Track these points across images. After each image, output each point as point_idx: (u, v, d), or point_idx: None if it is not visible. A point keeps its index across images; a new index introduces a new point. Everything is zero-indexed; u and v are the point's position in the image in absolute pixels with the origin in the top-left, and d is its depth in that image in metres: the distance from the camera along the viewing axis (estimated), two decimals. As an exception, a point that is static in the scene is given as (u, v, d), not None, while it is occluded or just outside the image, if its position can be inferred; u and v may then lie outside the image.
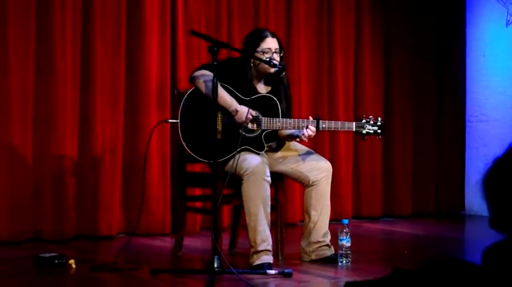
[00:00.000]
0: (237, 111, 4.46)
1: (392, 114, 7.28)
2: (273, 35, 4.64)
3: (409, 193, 7.38)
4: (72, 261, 4.48)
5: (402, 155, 7.36)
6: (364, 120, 4.68)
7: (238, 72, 4.60)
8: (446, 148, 7.62)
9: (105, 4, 5.80)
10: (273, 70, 4.59)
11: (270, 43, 4.59)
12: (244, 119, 4.46)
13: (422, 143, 7.50)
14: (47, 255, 4.51)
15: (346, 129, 4.71)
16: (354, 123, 4.68)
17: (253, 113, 4.52)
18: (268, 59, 4.52)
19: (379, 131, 4.69)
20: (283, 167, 4.73)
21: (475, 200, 7.46)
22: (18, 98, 5.47)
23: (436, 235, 6.35)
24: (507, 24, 7.38)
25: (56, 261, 4.46)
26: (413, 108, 7.43)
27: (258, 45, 4.58)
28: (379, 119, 4.72)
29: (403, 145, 7.37)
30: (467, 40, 7.64)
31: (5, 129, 5.43)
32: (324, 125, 4.58)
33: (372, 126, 4.68)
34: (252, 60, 4.59)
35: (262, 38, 4.60)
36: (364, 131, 4.67)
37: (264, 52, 4.56)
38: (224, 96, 4.46)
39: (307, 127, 4.51)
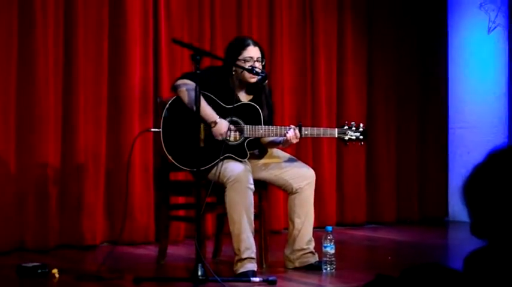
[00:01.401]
0: (215, 123, 4.46)
1: (375, 121, 7.31)
2: (255, 44, 4.64)
3: (393, 200, 7.41)
4: (55, 271, 4.46)
5: (386, 161, 7.38)
6: (346, 127, 4.70)
7: (221, 81, 4.60)
8: (430, 154, 7.66)
9: (87, 11, 5.78)
10: (255, 79, 4.59)
11: (252, 52, 4.60)
12: (222, 132, 4.45)
13: (405, 150, 7.53)
14: (30, 265, 4.48)
15: (328, 135, 4.72)
16: (336, 129, 4.69)
17: (233, 128, 4.52)
18: (250, 67, 4.53)
19: (361, 137, 4.70)
20: (266, 175, 4.73)
21: (458, 207, 7.50)
22: (1, 106, 5.44)
23: (419, 241, 6.37)
24: (489, 31, 7.43)
25: (39, 271, 4.43)
26: (397, 114, 7.46)
27: (240, 54, 4.58)
28: (361, 125, 4.73)
29: (386, 152, 7.40)
30: (450, 47, 7.68)
31: (-13, 139, 5.41)
32: (306, 132, 4.59)
33: (354, 132, 4.69)
34: (234, 68, 4.59)
35: (244, 47, 4.60)
36: (346, 137, 4.68)
37: (245, 61, 4.57)
38: (204, 108, 4.44)
39: (290, 130, 4.51)
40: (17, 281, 4.38)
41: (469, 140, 7.49)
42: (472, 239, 1.95)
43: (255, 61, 4.57)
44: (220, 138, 4.46)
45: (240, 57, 4.57)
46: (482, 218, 1.83)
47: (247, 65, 4.55)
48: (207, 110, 4.47)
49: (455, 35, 7.65)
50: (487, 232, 1.83)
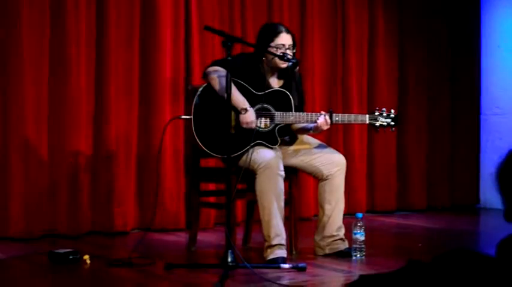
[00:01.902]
0: (246, 110, 4.44)
1: (406, 108, 7.27)
2: (288, 31, 4.62)
3: (424, 187, 7.37)
4: (86, 257, 4.48)
5: (416, 148, 7.34)
6: (377, 113, 4.67)
7: (252, 67, 4.59)
8: (461, 141, 7.60)
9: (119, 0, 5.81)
10: (286, 65, 4.58)
11: (284, 39, 4.57)
12: (249, 121, 4.44)
13: (436, 136, 7.48)
14: (62, 251, 4.51)
15: (359, 122, 4.69)
16: (367, 115, 4.67)
17: (259, 122, 4.51)
18: (281, 54, 4.51)
19: (392, 123, 4.67)
20: (296, 161, 4.72)
21: (490, 193, 7.44)
22: (33, 94, 5.48)
23: (450, 228, 6.33)
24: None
25: (71, 257, 4.46)
26: (428, 101, 7.42)
27: (272, 40, 4.56)
28: (392, 111, 4.70)
29: (417, 139, 7.35)
30: (482, 33, 7.61)
31: (20, 126, 5.45)
32: (337, 118, 4.57)
33: (385, 118, 4.66)
34: (265, 54, 4.58)
35: (277, 33, 4.58)
36: (377, 124, 4.66)
37: (277, 48, 4.54)
38: (235, 95, 4.43)
39: (320, 116, 4.49)
40: (49, 266, 4.42)
41: (501, 126, 7.43)
42: (504, 226, 1.93)
43: (286, 49, 4.56)
44: (245, 126, 4.44)
45: (272, 44, 4.54)
46: (515, 203, 1.81)
47: (278, 52, 4.53)
48: (238, 97, 4.46)
49: (488, 20, 7.58)
50: (521, 218, 1.81)
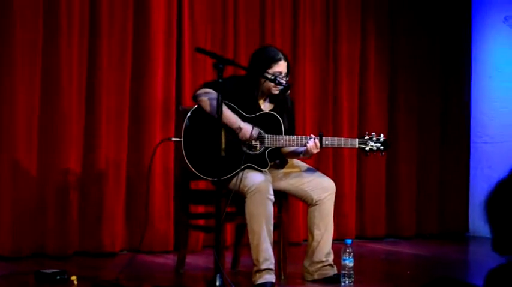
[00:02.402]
0: (241, 129, 4.46)
1: (396, 133, 7.27)
2: (286, 58, 4.62)
3: (413, 213, 7.35)
4: (74, 277, 4.47)
5: (406, 175, 7.34)
6: (367, 137, 4.68)
7: (243, 90, 4.60)
8: (451, 168, 7.60)
9: (111, 20, 5.81)
10: (277, 91, 4.58)
11: (282, 67, 4.58)
12: (248, 136, 4.45)
13: (426, 163, 7.48)
14: (49, 271, 4.50)
15: (349, 145, 4.70)
16: (357, 139, 4.68)
17: (257, 132, 4.51)
18: (273, 77, 4.52)
19: (382, 147, 4.68)
20: (286, 185, 4.72)
21: (479, 222, 7.44)
22: (24, 111, 5.47)
23: (439, 256, 6.32)
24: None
25: (58, 277, 4.45)
26: (418, 128, 7.42)
27: (270, 67, 4.56)
28: (382, 135, 4.71)
29: (407, 165, 7.35)
30: (473, 61, 7.64)
31: (9, 143, 5.44)
32: (327, 142, 4.58)
33: (375, 142, 4.68)
34: (260, 78, 4.57)
35: (276, 61, 4.58)
36: (367, 148, 4.66)
37: (274, 75, 4.55)
38: (228, 115, 4.45)
39: (310, 139, 4.50)
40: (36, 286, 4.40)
41: (491, 155, 7.44)
42: (493, 256, 1.93)
43: (282, 77, 4.57)
44: (248, 142, 4.46)
45: (270, 71, 4.55)
46: (504, 234, 1.81)
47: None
48: (231, 117, 4.47)
49: (480, 49, 7.61)
50: (509, 249, 1.81)
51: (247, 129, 4.45)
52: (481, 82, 7.58)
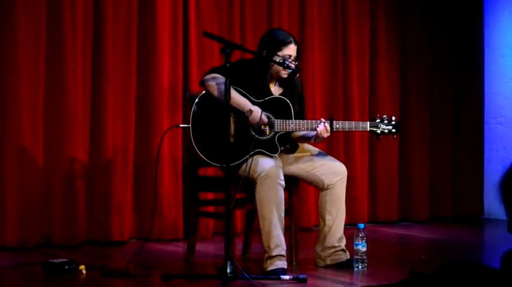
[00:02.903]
0: (251, 111, 4.45)
1: (408, 116, 7.26)
2: (296, 42, 4.61)
3: (426, 197, 7.35)
4: (82, 267, 4.48)
5: (419, 157, 7.33)
6: (378, 120, 4.67)
7: (251, 74, 4.59)
8: (465, 150, 7.58)
9: (116, 6, 5.81)
10: (286, 74, 4.57)
11: (292, 50, 4.57)
12: (258, 119, 4.44)
13: (439, 145, 7.47)
14: (57, 261, 4.51)
15: (360, 129, 4.69)
16: (368, 122, 4.67)
17: (265, 118, 4.50)
18: (282, 61, 4.51)
19: (393, 130, 4.67)
20: (297, 170, 4.71)
21: (494, 204, 7.43)
22: (28, 100, 5.48)
23: (454, 239, 6.32)
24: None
25: (66, 267, 4.46)
26: (430, 109, 7.41)
27: (280, 49, 4.55)
28: (393, 118, 4.70)
29: (420, 147, 7.34)
30: (486, 41, 7.60)
31: (15, 132, 5.45)
32: (337, 126, 4.57)
33: (387, 125, 4.66)
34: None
35: (287, 44, 4.56)
36: (378, 131, 4.65)
37: (283, 58, 4.54)
38: (237, 98, 4.44)
39: (320, 124, 4.49)
40: (44, 277, 4.41)
41: (505, 136, 7.42)
42: (509, 238, 1.92)
43: (292, 60, 4.55)
44: (257, 126, 4.45)
45: (279, 53, 4.54)
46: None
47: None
48: (240, 100, 4.46)
49: (492, 29, 7.57)
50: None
51: (257, 111, 4.44)
52: (494, 62, 7.55)
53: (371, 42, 7.10)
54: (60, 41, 5.59)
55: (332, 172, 4.67)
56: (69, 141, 5.61)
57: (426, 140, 7.38)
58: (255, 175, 4.39)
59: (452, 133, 7.54)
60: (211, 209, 5.71)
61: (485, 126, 7.59)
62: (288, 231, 4.67)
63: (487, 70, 7.60)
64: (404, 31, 7.29)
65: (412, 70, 7.31)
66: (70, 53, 5.60)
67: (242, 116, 4.48)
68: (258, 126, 4.48)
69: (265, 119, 4.48)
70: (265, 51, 4.59)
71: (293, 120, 4.55)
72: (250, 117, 4.45)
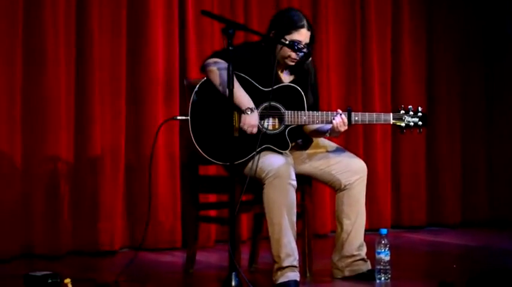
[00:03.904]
0: (251, 110, 4.43)
1: (436, 105, 7.27)
2: (309, 27, 4.59)
3: (458, 198, 7.35)
4: (68, 280, 4.49)
5: (449, 153, 7.33)
6: (402, 111, 4.68)
7: (258, 59, 4.59)
8: (501, 143, 7.58)
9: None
10: (293, 62, 4.56)
11: (303, 35, 4.56)
12: (253, 123, 4.43)
13: (472, 140, 7.47)
14: (39, 274, 4.52)
15: (382, 122, 4.69)
16: (391, 114, 4.67)
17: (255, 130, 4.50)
18: (291, 43, 4.50)
19: (420, 122, 4.68)
20: (310, 169, 4.72)
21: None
22: (3, 91, 5.48)
23: (490, 246, 6.32)
24: None
25: (50, 281, 4.47)
26: (461, 99, 7.41)
27: (289, 33, 4.54)
28: (420, 108, 4.71)
29: (450, 142, 7.35)
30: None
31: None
32: (356, 118, 4.57)
33: (412, 117, 4.67)
34: (276, 45, 4.56)
35: (298, 27, 4.55)
36: (403, 124, 4.66)
37: (292, 42, 4.53)
38: (238, 91, 4.42)
39: (336, 116, 4.50)
40: (25, 292, 4.44)
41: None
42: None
43: (302, 46, 4.55)
44: (246, 128, 4.43)
45: (287, 37, 4.53)
46: None
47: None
48: (242, 95, 4.46)
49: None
50: None
51: (255, 117, 4.43)
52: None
53: (393, 23, 7.10)
54: (39, 22, 5.59)
55: (350, 170, 4.67)
56: (50, 138, 5.62)
57: (457, 134, 7.38)
58: (263, 174, 4.40)
59: (486, 126, 7.53)
60: (213, 213, 5.73)
61: (525, 117, 7.59)
62: (300, 238, 4.68)
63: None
64: (432, 11, 7.29)
65: (439, 55, 7.32)
66: (51, 37, 5.60)
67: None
68: (249, 131, 4.43)
69: (255, 130, 4.46)
70: (272, 32, 4.59)
71: (306, 111, 4.55)
72: (246, 116, 4.42)
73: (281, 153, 4.52)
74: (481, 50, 7.49)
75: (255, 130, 4.44)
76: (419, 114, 4.69)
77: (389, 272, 4.59)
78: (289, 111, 4.54)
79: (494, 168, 7.54)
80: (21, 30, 5.56)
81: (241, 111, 4.41)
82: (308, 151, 4.76)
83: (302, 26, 4.57)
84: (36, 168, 5.60)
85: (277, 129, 4.55)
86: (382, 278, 4.58)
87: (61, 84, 5.65)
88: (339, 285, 4.57)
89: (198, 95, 4.55)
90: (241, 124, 4.42)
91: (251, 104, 4.45)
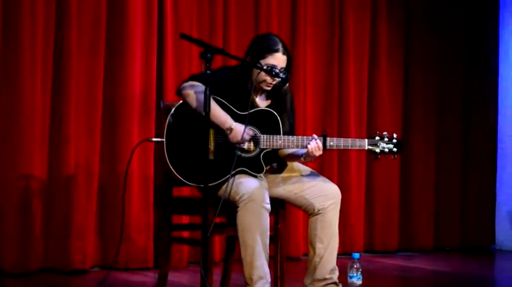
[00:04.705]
0: (231, 129, 4.47)
1: (412, 132, 7.32)
2: (285, 51, 4.60)
3: (431, 224, 7.40)
4: (39, 299, 4.50)
5: (423, 179, 7.38)
6: (377, 137, 4.70)
7: (235, 83, 4.61)
8: (475, 171, 7.64)
9: (82, 1, 5.83)
10: (269, 87, 4.59)
11: (278, 60, 4.57)
12: (239, 138, 4.47)
13: (446, 166, 7.52)
14: (10, 291, 4.53)
15: (357, 147, 4.72)
16: (366, 140, 4.69)
17: (251, 132, 4.54)
18: (268, 68, 4.54)
19: (394, 149, 4.70)
20: (284, 192, 4.74)
21: (507, 233, 7.49)
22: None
23: (462, 272, 6.36)
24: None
25: (21, 299, 4.48)
26: (437, 124, 7.46)
27: (263, 57, 4.56)
28: (395, 135, 4.74)
29: (424, 168, 7.39)
30: (501, 49, 7.66)
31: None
32: (331, 143, 4.59)
33: (387, 143, 4.69)
34: (253, 69, 4.59)
35: (272, 52, 4.57)
36: (377, 150, 4.68)
37: (267, 66, 4.56)
38: (217, 112, 4.47)
39: (311, 141, 4.53)
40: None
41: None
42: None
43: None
44: (239, 146, 4.47)
45: (262, 62, 4.56)
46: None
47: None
48: (220, 115, 4.48)
49: (508, 36, 7.64)
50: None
51: (239, 130, 4.47)
52: (509, 74, 7.61)
53: (371, 48, 7.15)
54: (16, 38, 5.58)
55: (324, 195, 4.69)
56: (24, 155, 5.61)
57: (432, 160, 7.43)
58: (237, 197, 4.42)
59: (461, 151, 7.59)
60: (186, 234, 5.74)
61: (499, 145, 7.66)
62: (273, 261, 4.69)
63: (502, 80, 7.66)
64: (409, 35, 7.35)
65: (416, 79, 7.37)
66: (27, 54, 5.60)
67: (223, 131, 4.51)
68: (239, 146, 4.49)
69: (247, 137, 4.51)
70: (249, 57, 4.63)
71: (281, 136, 4.58)
72: (230, 136, 4.47)
73: (256, 176, 4.55)
74: (459, 76, 7.55)
75: (245, 140, 4.48)
76: (394, 140, 4.71)
77: (361, 297, 4.63)
78: (265, 135, 4.56)
79: (467, 195, 7.60)
80: (-1, 48, 5.58)
81: (217, 133, 4.45)
82: (282, 175, 4.78)
83: (277, 51, 4.59)
84: (7, 185, 5.59)
85: (252, 152, 4.59)
86: (354, 303, 4.62)
87: (36, 102, 5.65)
88: (310, 309, 4.60)
89: (174, 117, 4.57)
90: (230, 142, 4.47)
91: (228, 122, 4.47)
